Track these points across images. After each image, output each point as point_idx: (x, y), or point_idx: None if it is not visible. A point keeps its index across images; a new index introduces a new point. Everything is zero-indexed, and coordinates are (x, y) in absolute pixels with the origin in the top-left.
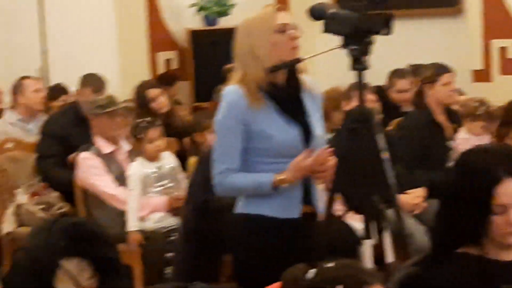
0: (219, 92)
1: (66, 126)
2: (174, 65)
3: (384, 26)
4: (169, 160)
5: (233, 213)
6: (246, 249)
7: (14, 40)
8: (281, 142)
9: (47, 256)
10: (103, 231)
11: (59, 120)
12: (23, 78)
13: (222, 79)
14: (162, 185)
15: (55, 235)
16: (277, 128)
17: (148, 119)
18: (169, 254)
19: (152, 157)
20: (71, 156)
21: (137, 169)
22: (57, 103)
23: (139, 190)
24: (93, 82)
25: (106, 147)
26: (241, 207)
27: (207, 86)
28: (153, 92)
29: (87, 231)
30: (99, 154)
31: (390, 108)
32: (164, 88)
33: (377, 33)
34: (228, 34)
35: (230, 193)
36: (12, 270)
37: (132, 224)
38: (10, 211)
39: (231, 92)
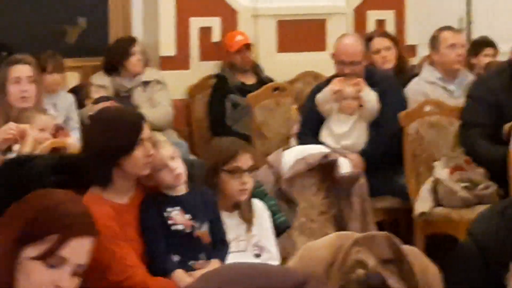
0: None
1: (496, 90)
2: None
3: None
4: None
5: None
6: None
7: None
8: None
9: None
10: None
11: (489, 83)
12: (440, 30)
13: None
14: None
15: None
16: None
17: None
18: None
19: None
20: (506, 126)
21: None
22: (481, 61)
23: None
24: None
25: None
26: None
27: None
28: None
29: None
30: None
31: None
32: None
33: None
34: None
35: None
36: (455, 257)
37: None
38: (426, 187)
39: None
